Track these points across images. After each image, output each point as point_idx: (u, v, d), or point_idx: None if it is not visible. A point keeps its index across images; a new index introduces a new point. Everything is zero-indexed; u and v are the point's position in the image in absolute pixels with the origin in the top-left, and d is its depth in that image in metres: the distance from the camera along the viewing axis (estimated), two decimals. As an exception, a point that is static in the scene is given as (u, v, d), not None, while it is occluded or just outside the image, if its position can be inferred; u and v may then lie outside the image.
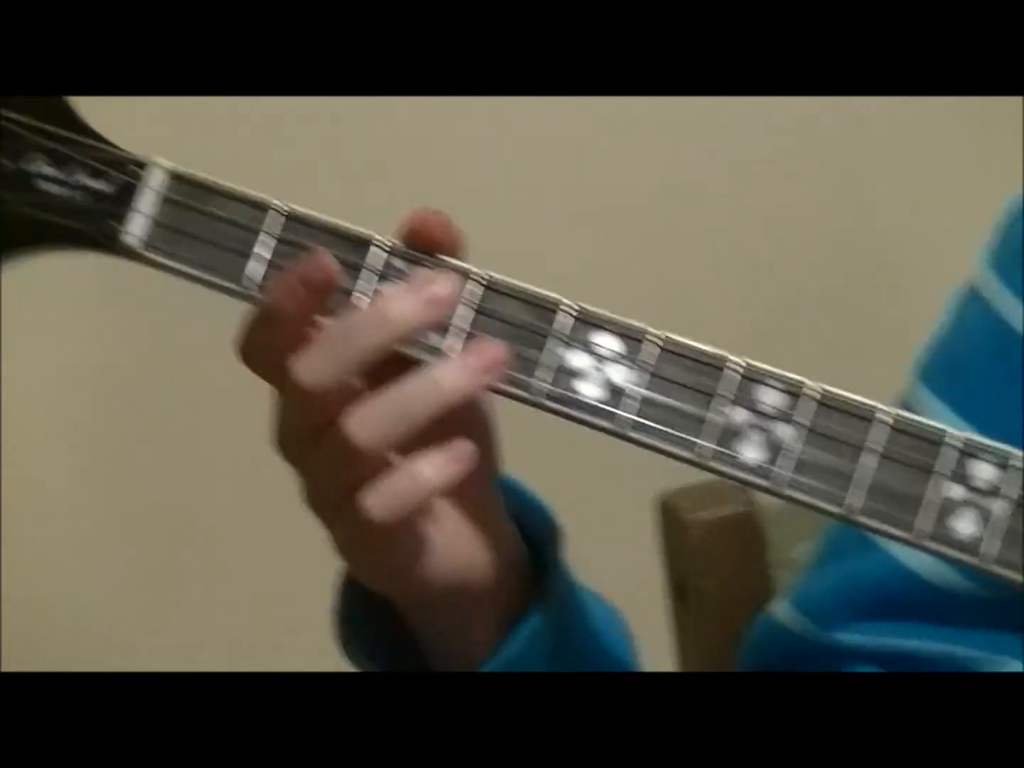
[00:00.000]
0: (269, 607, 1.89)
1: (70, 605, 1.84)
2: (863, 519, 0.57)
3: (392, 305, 0.55)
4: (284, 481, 0.66)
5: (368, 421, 0.56)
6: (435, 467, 0.57)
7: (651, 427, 0.57)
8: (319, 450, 0.57)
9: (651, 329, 0.60)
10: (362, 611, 0.68)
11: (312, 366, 0.55)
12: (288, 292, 0.54)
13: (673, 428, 0.58)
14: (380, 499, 0.56)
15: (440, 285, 0.55)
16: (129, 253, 0.58)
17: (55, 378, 1.86)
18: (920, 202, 2.25)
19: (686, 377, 0.58)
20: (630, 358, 0.58)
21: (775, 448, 0.57)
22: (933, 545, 0.56)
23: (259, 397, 0.65)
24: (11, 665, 1.57)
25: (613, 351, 0.58)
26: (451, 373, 0.56)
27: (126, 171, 0.60)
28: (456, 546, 0.63)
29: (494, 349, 0.56)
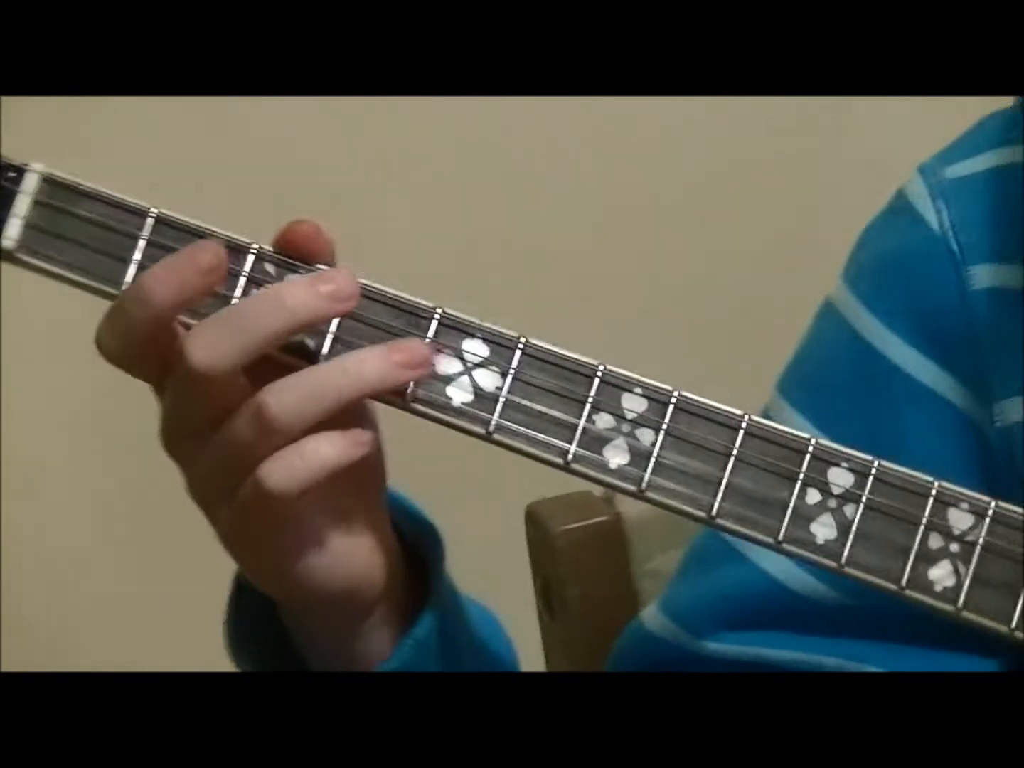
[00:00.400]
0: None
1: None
2: (726, 523, 0.59)
3: (292, 291, 0.56)
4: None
5: (287, 400, 0.57)
6: (334, 445, 0.58)
7: (517, 430, 0.59)
8: (218, 434, 0.59)
9: (515, 334, 0.62)
10: (249, 617, 0.69)
11: (211, 347, 0.56)
12: (171, 273, 0.55)
13: (539, 432, 0.59)
14: (280, 471, 0.58)
15: (341, 281, 0.57)
16: (6, 256, 0.60)
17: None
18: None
19: (553, 383, 0.60)
20: (496, 363, 0.59)
21: (640, 453, 0.59)
22: (795, 549, 0.59)
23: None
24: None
25: (480, 356, 0.60)
26: (376, 362, 0.58)
27: (3, 177, 0.61)
28: (352, 553, 0.64)
29: (420, 347, 0.59)
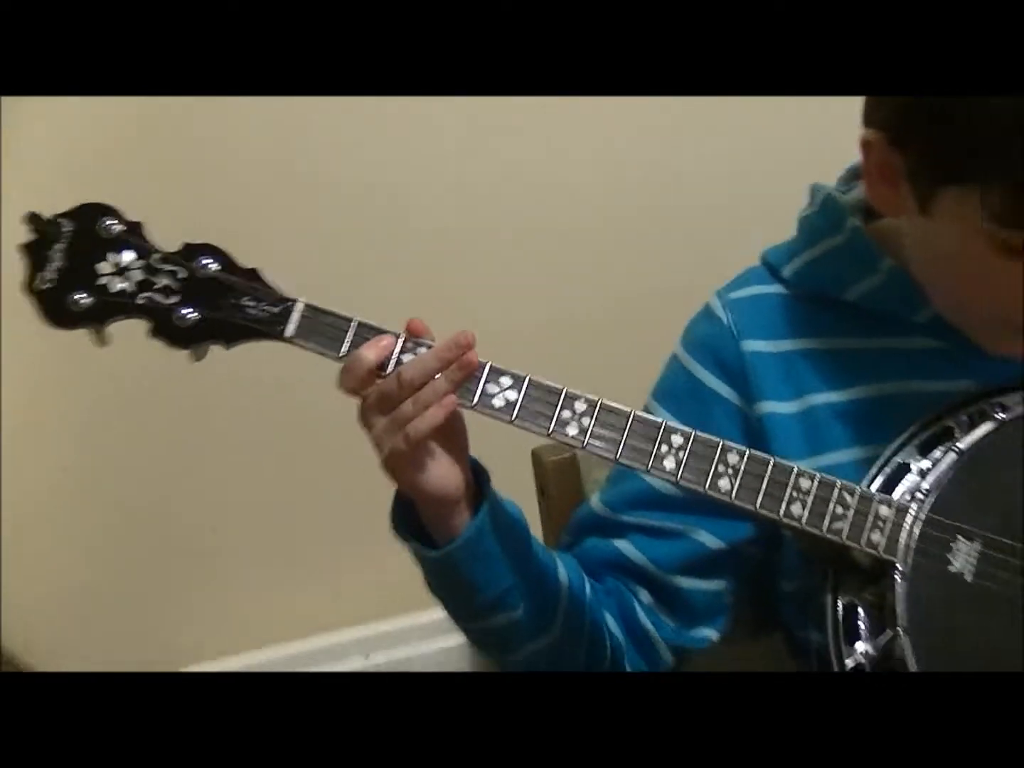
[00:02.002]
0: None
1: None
2: (625, 461, 1.03)
3: (439, 384, 1.03)
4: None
5: (421, 396, 1.00)
6: (436, 411, 1.00)
7: (526, 419, 1.02)
8: (390, 415, 1.02)
9: (523, 374, 1.05)
10: (401, 511, 1.10)
11: (398, 411, 1.02)
12: (370, 366, 1.00)
13: (535, 420, 1.03)
14: (417, 423, 1.00)
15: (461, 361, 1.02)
16: (287, 341, 1.02)
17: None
18: None
19: (543, 397, 1.05)
20: (516, 387, 1.04)
21: (583, 429, 1.02)
22: (657, 473, 1.03)
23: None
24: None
25: (507, 384, 1.05)
26: (442, 387, 1.00)
27: (285, 302, 1.02)
28: (448, 474, 1.06)
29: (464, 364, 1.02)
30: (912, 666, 1.13)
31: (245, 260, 1.08)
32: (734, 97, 1.32)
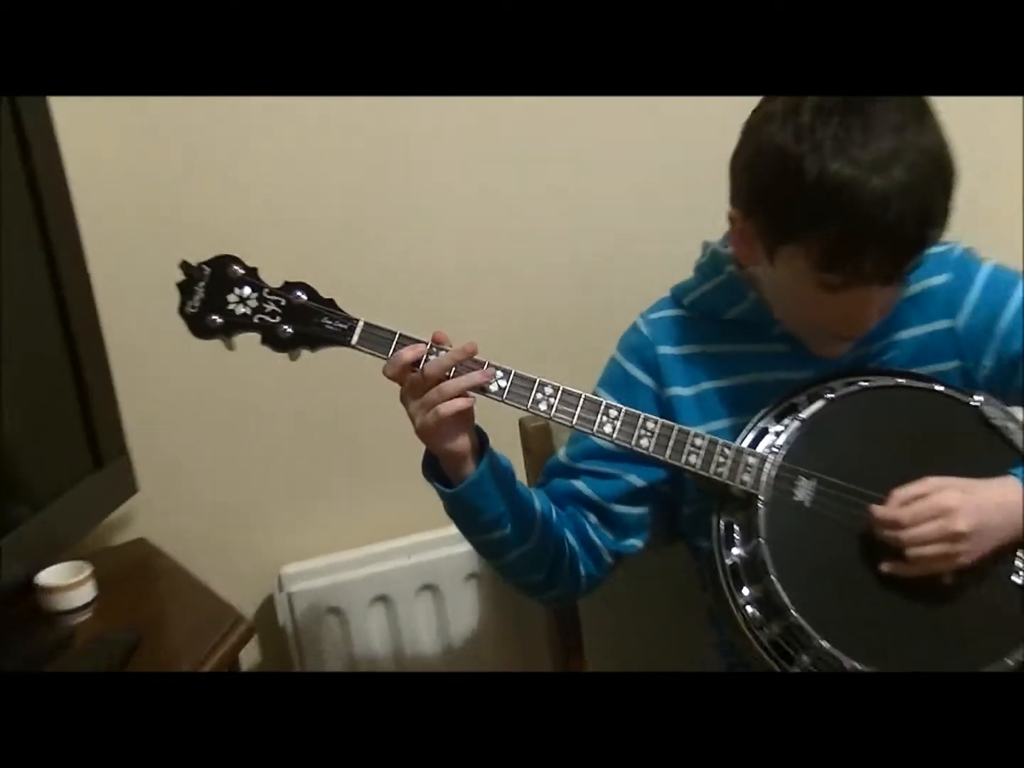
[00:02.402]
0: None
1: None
2: (580, 428, 1.22)
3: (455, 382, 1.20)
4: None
5: (445, 388, 1.19)
6: (457, 402, 1.20)
7: (514, 400, 1.21)
8: (421, 397, 1.20)
9: (510, 368, 1.21)
10: (428, 463, 1.29)
11: (426, 396, 1.20)
12: (406, 364, 1.19)
13: (519, 400, 1.22)
14: (443, 408, 1.19)
15: (480, 375, 1.21)
16: (352, 347, 1.21)
17: None
18: None
19: (523, 384, 1.22)
20: (506, 379, 1.22)
21: (551, 406, 1.21)
22: (605, 439, 1.23)
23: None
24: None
25: (502, 374, 1.22)
26: (470, 380, 1.19)
27: (351, 320, 1.21)
28: (462, 440, 1.25)
29: (483, 374, 1.20)
30: (770, 566, 1.27)
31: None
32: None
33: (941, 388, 1.37)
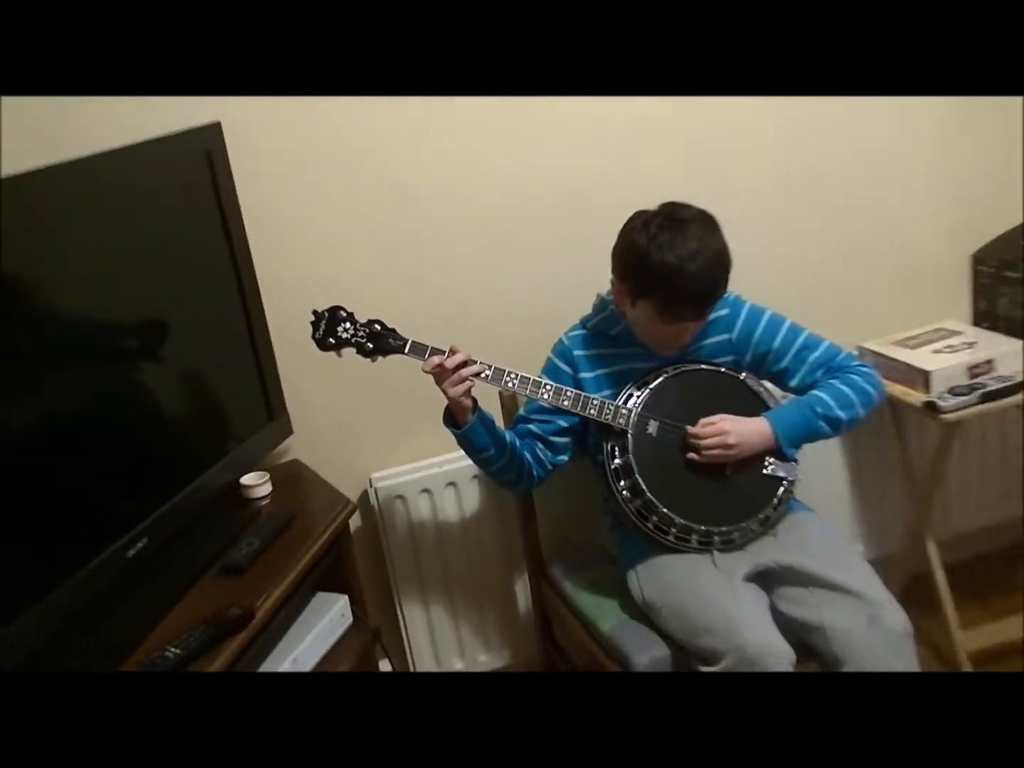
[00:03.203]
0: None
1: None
2: (536, 397, 1.67)
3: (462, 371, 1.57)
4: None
5: (454, 384, 1.58)
6: (464, 382, 1.55)
7: (491, 382, 1.62)
8: (443, 385, 1.57)
9: (488, 364, 1.62)
10: (447, 416, 1.65)
11: (446, 381, 1.59)
12: (435, 364, 1.59)
13: (497, 382, 1.61)
14: (453, 391, 1.57)
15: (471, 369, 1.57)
16: (405, 355, 1.59)
17: None
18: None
19: (496, 373, 1.61)
20: (489, 370, 1.60)
21: (513, 385, 1.62)
22: (544, 401, 1.69)
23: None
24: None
25: (486, 367, 1.60)
26: (467, 372, 1.58)
27: (404, 339, 1.61)
28: (464, 402, 1.59)
29: (475, 369, 1.56)
30: (635, 469, 1.58)
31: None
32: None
33: (724, 370, 1.80)
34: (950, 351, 1.96)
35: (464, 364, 1.50)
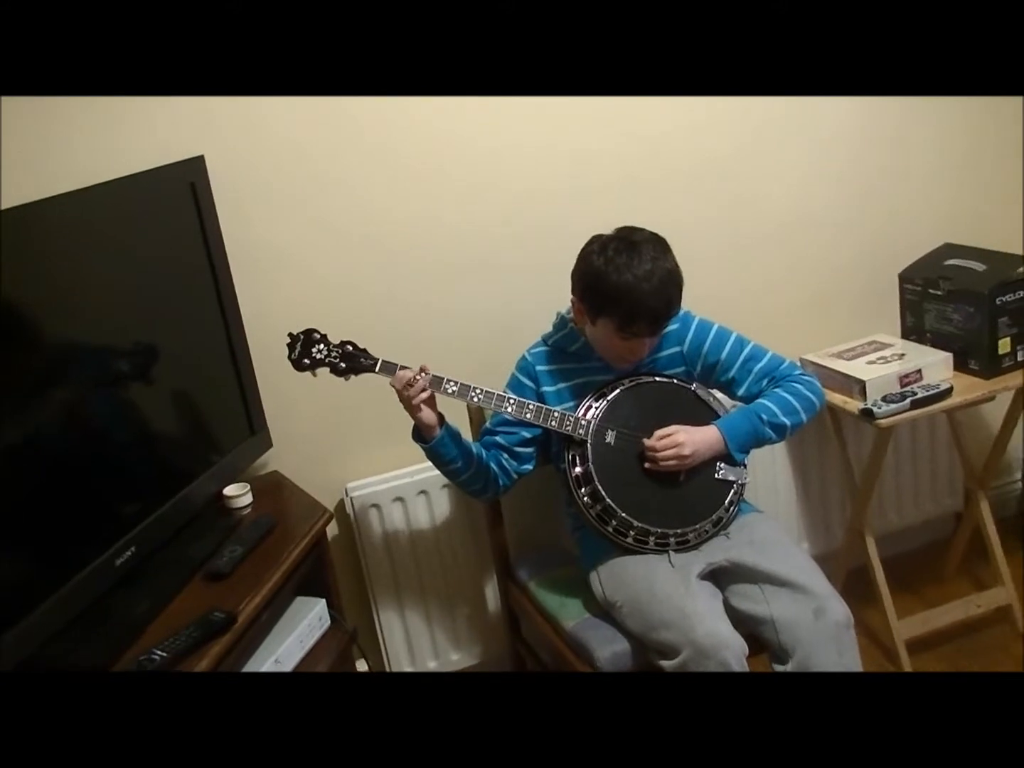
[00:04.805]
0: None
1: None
2: (503, 411, 1.66)
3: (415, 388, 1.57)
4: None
5: (412, 396, 1.58)
6: (423, 393, 1.56)
7: (455, 397, 1.61)
8: (404, 402, 1.58)
9: (457, 379, 1.58)
10: (415, 432, 1.65)
11: (411, 400, 1.59)
12: (402, 380, 1.59)
13: (463, 397, 1.61)
14: (411, 401, 1.56)
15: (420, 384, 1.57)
16: (376, 373, 1.60)
17: None
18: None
19: (461, 387, 1.61)
20: (458, 385, 1.57)
21: (478, 401, 1.63)
22: (508, 414, 1.69)
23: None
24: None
25: (455, 383, 1.57)
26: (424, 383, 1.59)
27: (374, 359, 1.58)
28: (429, 417, 1.59)
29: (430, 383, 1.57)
30: (595, 477, 1.59)
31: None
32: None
33: (676, 381, 1.81)
34: (883, 362, 2.01)
35: (411, 384, 1.52)
